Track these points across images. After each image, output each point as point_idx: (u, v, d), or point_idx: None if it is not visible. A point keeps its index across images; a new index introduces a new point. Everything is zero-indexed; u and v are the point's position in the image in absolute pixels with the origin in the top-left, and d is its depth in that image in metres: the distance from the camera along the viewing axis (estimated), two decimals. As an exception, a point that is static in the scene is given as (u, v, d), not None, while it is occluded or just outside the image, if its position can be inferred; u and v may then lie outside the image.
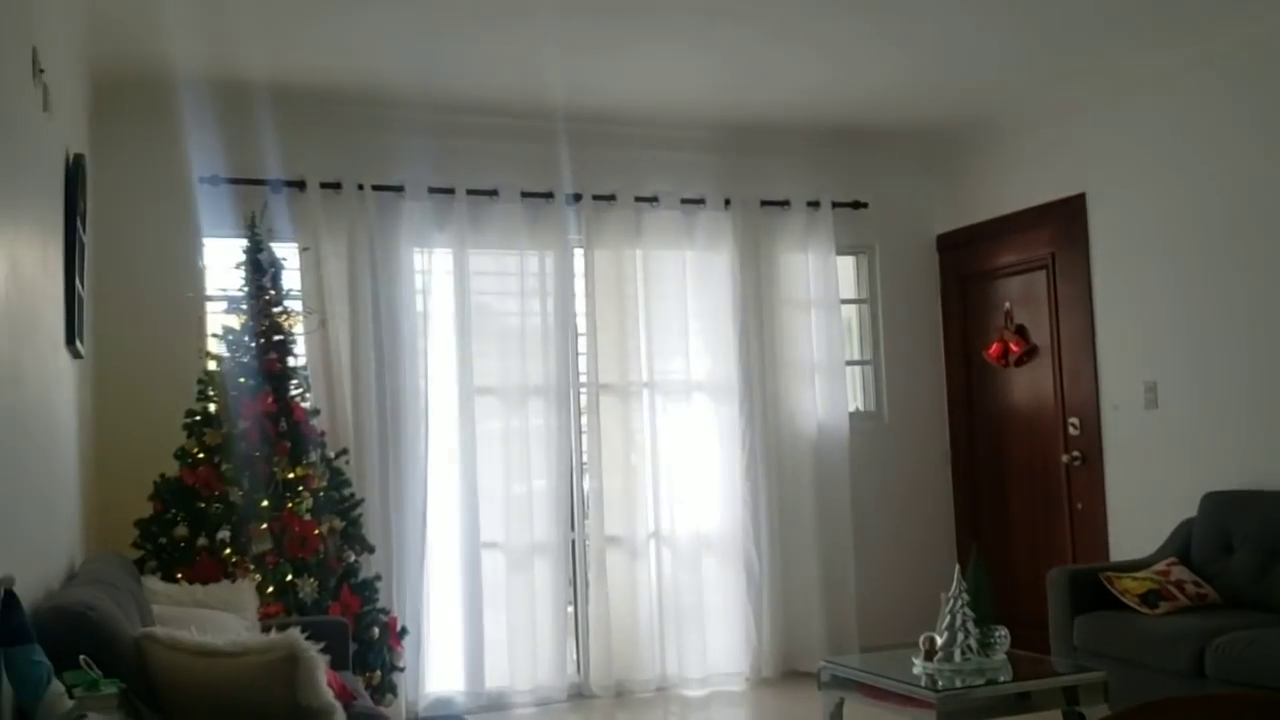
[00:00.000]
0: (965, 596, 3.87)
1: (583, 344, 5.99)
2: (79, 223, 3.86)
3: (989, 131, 6.34)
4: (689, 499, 6.02)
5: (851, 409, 6.52)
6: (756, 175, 6.33)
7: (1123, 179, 5.57)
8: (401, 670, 5.00)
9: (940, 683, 3.69)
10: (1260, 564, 4.57)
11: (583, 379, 5.97)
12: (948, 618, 3.87)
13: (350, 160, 5.59)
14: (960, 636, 3.83)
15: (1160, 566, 4.75)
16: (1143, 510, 5.42)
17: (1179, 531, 4.99)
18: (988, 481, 6.50)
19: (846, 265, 6.73)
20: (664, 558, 5.97)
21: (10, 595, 2.26)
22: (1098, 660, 4.32)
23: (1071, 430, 5.88)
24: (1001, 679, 3.78)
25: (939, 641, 3.85)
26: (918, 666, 3.83)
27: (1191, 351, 5.22)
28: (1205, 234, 5.14)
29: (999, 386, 6.42)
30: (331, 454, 4.99)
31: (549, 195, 5.87)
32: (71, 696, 2.23)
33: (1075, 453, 5.86)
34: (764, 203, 6.31)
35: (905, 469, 6.61)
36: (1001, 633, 3.91)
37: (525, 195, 5.82)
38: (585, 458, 5.95)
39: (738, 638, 6.03)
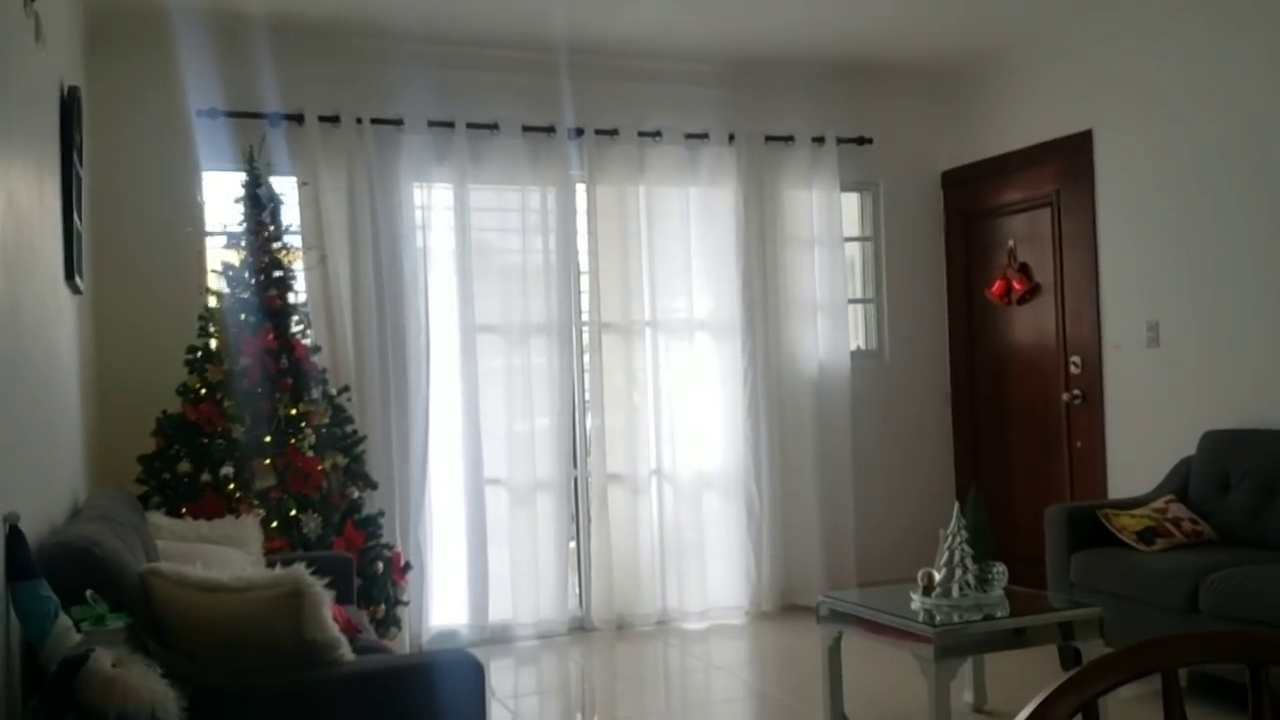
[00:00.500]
0: (964, 533, 3.90)
1: (585, 282, 5.97)
2: (75, 156, 3.83)
3: (996, 66, 6.25)
4: (691, 437, 6.05)
5: (853, 348, 6.51)
6: (761, 110, 6.26)
7: (1130, 115, 5.50)
8: (405, 604, 5.07)
9: (938, 618, 3.72)
10: (1256, 502, 4.60)
11: (585, 317, 5.96)
12: (946, 554, 3.90)
13: (349, 93, 5.52)
14: (958, 572, 3.86)
15: (1158, 504, 4.78)
16: (1142, 449, 5.44)
17: (1177, 470, 5.01)
18: (988, 420, 6.52)
19: (850, 202, 6.69)
20: (665, 494, 6.01)
21: (15, 531, 2.28)
22: (1094, 596, 4.36)
23: (1073, 369, 5.88)
24: (998, 614, 3.81)
25: (937, 577, 3.89)
26: (916, 602, 3.87)
27: (1194, 291, 5.20)
28: (1211, 171, 5.09)
29: (1001, 325, 6.41)
30: (333, 391, 5.00)
31: (550, 129, 5.81)
32: (79, 631, 2.26)
33: (1076, 391, 5.87)
34: (768, 138, 6.25)
35: (906, 407, 6.62)
36: (999, 569, 3.94)
37: (526, 129, 5.76)
38: (587, 395, 5.96)
39: (737, 573, 6.09)
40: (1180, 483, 4.94)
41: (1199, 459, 4.92)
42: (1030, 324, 6.19)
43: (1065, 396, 5.92)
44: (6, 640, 2.31)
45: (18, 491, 2.50)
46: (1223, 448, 4.84)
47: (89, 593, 2.39)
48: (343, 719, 2.59)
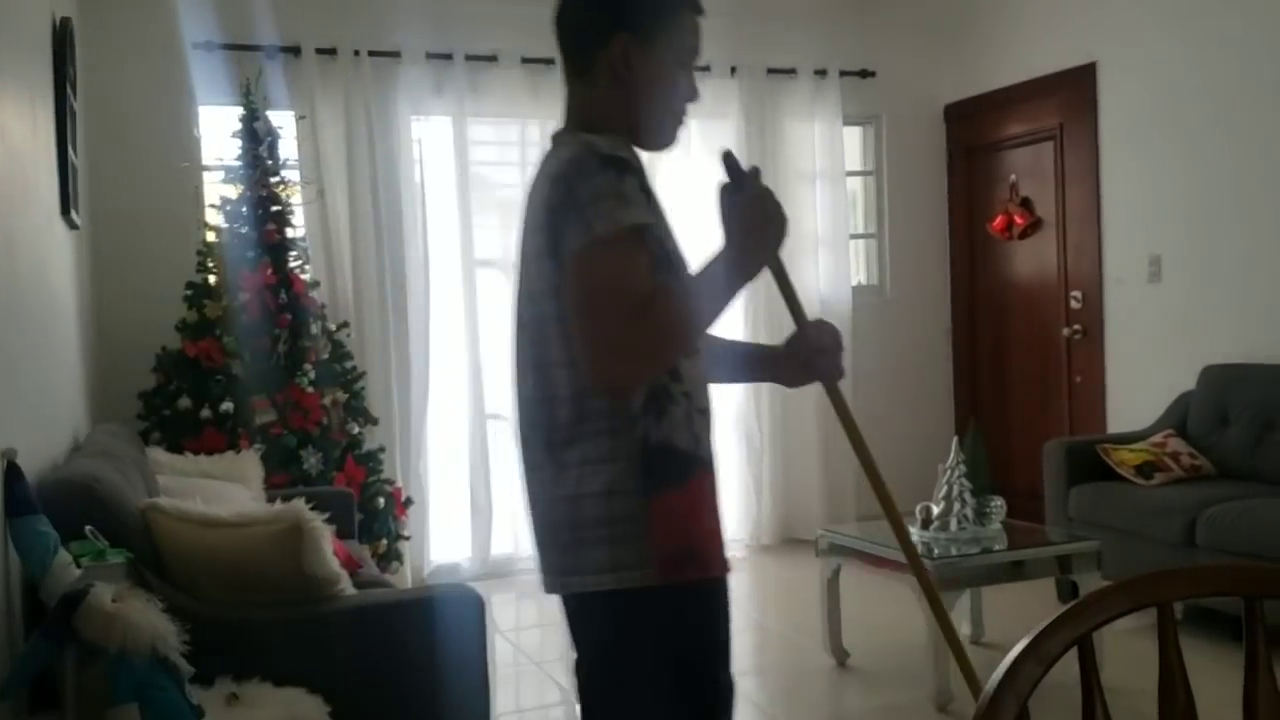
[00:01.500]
0: (962, 467, 3.91)
1: (584, 215, 5.92)
2: (69, 89, 3.78)
3: (1002, -4, 6.15)
4: (690, 371, 6.04)
5: (854, 283, 6.49)
6: (763, 42, 6.16)
7: (1134, 48, 5.42)
8: (407, 539, 5.11)
9: (936, 551, 3.75)
10: (1255, 436, 4.61)
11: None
12: (945, 488, 3.92)
13: (346, 25, 5.44)
14: (957, 506, 3.88)
15: (1157, 438, 4.79)
16: (1141, 383, 5.44)
17: (1177, 404, 5.01)
18: (988, 355, 6.51)
19: (853, 136, 6.61)
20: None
21: (13, 467, 2.28)
22: (1092, 530, 4.38)
23: (1073, 304, 5.86)
24: (996, 548, 3.84)
25: (935, 511, 3.91)
26: (914, 535, 3.89)
27: (1196, 225, 5.16)
28: (1215, 105, 5.02)
29: (1002, 260, 6.37)
30: (332, 326, 5.00)
31: (550, 61, 5.72)
32: (79, 566, 2.27)
33: (1076, 326, 5.85)
34: (770, 70, 6.16)
35: (907, 343, 6.61)
36: (997, 503, 3.96)
37: (526, 61, 5.68)
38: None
39: (738, 507, 6.12)
40: (1179, 417, 4.94)
41: (1198, 393, 4.92)
42: (1031, 259, 6.16)
43: (1066, 331, 5.90)
44: (6, 576, 2.33)
45: (15, 428, 2.50)
46: (1222, 382, 4.84)
47: (88, 528, 2.40)
48: (344, 652, 2.62)
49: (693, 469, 1.70)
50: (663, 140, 1.86)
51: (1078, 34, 5.72)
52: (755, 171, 1.77)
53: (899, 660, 4.11)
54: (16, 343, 2.68)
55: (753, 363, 2.10)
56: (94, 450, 3.12)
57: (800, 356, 1.93)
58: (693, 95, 1.85)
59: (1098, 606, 1.00)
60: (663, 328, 1.63)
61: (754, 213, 1.73)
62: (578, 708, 1.84)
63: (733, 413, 6.13)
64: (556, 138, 1.82)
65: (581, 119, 1.81)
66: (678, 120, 1.86)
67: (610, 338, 1.59)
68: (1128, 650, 3.21)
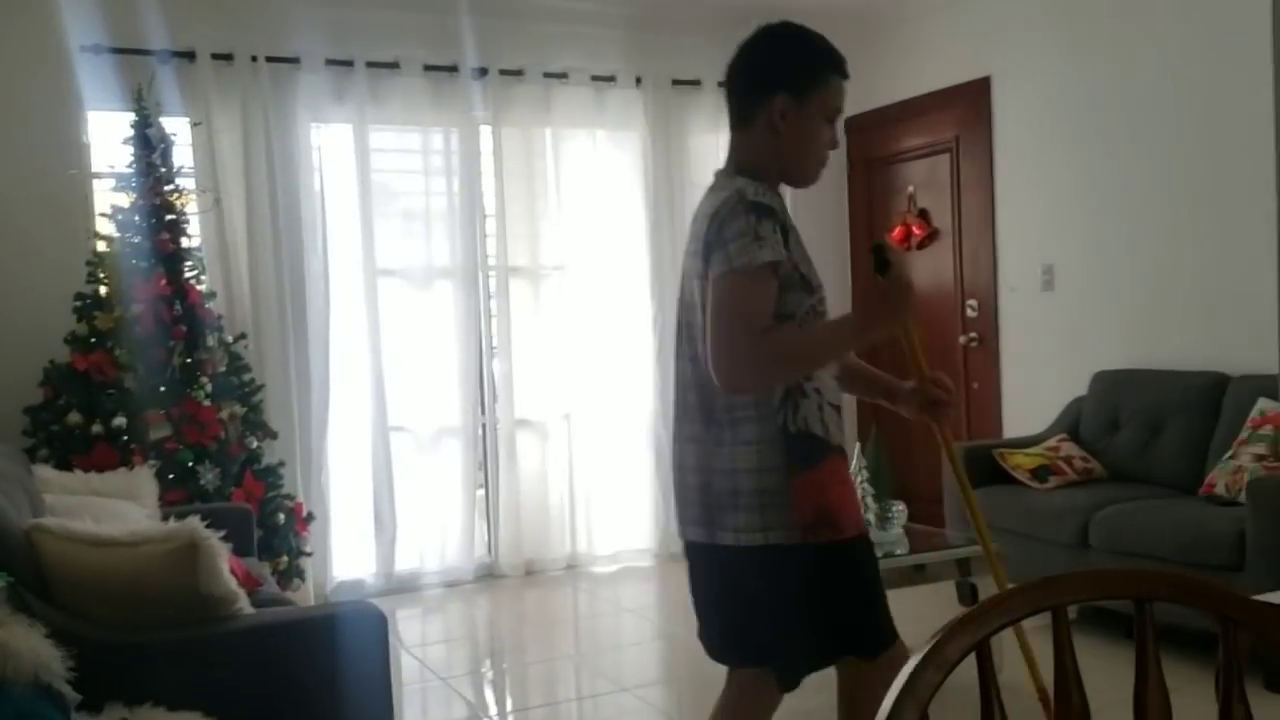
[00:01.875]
0: (864, 473, 3.97)
1: (491, 225, 5.89)
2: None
3: (900, 12, 6.28)
4: (599, 381, 6.04)
5: (759, 291, 6.54)
6: (668, 53, 6.20)
7: (1027, 62, 5.58)
8: (309, 555, 5.01)
9: (840, 557, 3.79)
10: (1143, 439, 4.77)
11: (491, 261, 5.89)
12: (848, 495, 3.97)
13: (242, 30, 5.32)
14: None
15: (1051, 443, 4.93)
16: (1036, 389, 5.59)
17: (1069, 409, 5.17)
18: (889, 362, 6.59)
19: (756, 146, 6.68)
20: (574, 439, 6.00)
21: (-113, 488, 2.17)
22: (991, 533, 4.47)
23: (970, 312, 6.01)
24: (898, 551, 3.91)
25: (839, 518, 3.95)
26: (819, 542, 3.93)
27: (1087, 235, 5.33)
28: (1106, 116, 5.20)
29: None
30: (230, 338, 4.88)
31: (453, 69, 5.68)
32: (-41, 590, 2.17)
33: (973, 334, 6.00)
34: (675, 82, 6.20)
35: (810, 350, 6.68)
36: (899, 507, 4.04)
37: (428, 68, 5.63)
38: (494, 341, 5.90)
39: (647, 515, 6.14)
40: (1072, 422, 5.09)
41: (1090, 399, 5.08)
42: (929, 268, 6.30)
43: (963, 339, 6.04)
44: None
45: (-110, 446, 2.39)
46: (1112, 387, 5.00)
47: (-30, 551, 2.29)
48: (243, 674, 2.55)
49: (825, 453, 2.13)
50: (807, 180, 2.32)
51: (973, 49, 5.88)
52: (900, 260, 2.19)
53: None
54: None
55: (881, 388, 2.57)
56: (-25, 469, 2.99)
57: (920, 400, 2.40)
58: (834, 144, 2.30)
59: (995, 612, 1.01)
60: (775, 354, 2.06)
61: (891, 294, 2.14)
62: (713, 642, 2.34)
63: (642, 424, 6.14)
64: (718, 176, 2.25)
65: (740, 160, 2.24)
66: (820, 163, 2.30)
67: (732, 348, 2.02)
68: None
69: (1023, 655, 2.32)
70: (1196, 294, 4.84)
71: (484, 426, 5.91)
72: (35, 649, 2.02)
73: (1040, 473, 4.73)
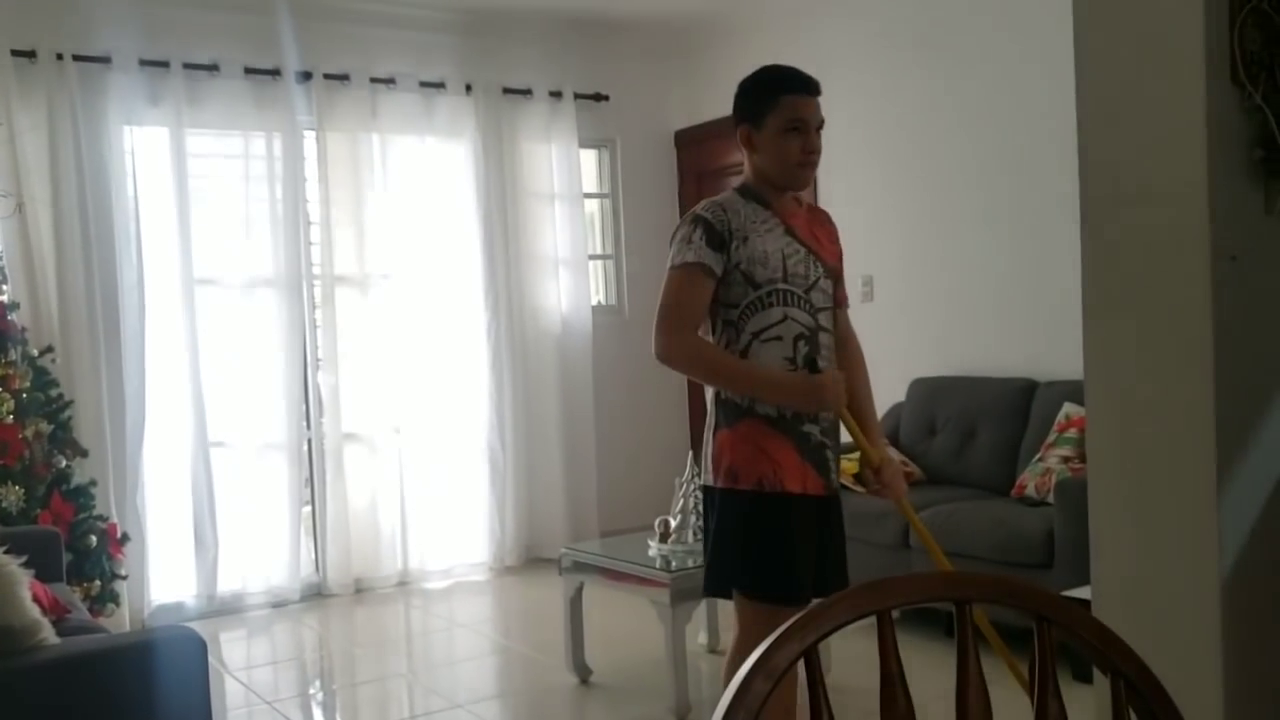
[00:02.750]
0: (697, 480, 4.03)
1: (316, 233, 5.73)
2: None
3: (725, 27, 6.42)
4: (431, 393, 5.95)
5: (594, 303, 6.58)
6: (499, 61, 6.17)
7: (851, 79, 5.76)
8: (124, 579, 4.76)
9: (673, 563, 3.84)
10: (959, 443, 4.99)
11: (316, 270, 5.73)
12: (681, 501, 4.02)
13: (47, 26, 5.04)
14: (693, 519, 3.99)
15: (874, 448, 5.09)
16: (860, 396, 5.77)
17: (889, 415, 5.36)
18: (721, 371, 6.74)
19: (589, 158, 6.72)
20: (405, 453, 5.89)
21: None
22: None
23: (799, 321, 6.16)
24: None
25: (673, 524, 4.00)
26: (653, 549, 3.97)
27: (905, 247, 5.56)
28: (925, 132, 5.43)
29: (733, 279, 6.62)
30: (35, 352, 4.61)
31: (275, 72, 5.51)
32: None
33: (802, 343, 6.15)
34: (506, 90, 6.17)
35: (645, 361, 6.59)
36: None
37: (249, 71, 5.44)
38: (320, 352, 5.74)
39: (481, 529, 6.08)
40: (892, 427, 5.29)
41: (908, 405, 5.29)
42: (760, 279, 6.43)
43: (792, 348, 6.20)
44: None
45: None
46: (929, 394, 5.22)
47: None
48: (51, 707, 2.39)
49: (742, 417, 2.61)
50: (795, 184, 2.74)
51: (799, 65, 6.02)
52: (828, 365, 2.68)
53: (640, 674, 4.18)
54: None
55: (858, 443, 2.84)
56: None
57: (874, 473, 2.80)
58: (809, 148, 2.68)
59: (822, 618, 1.04)
60: (691, 355, 2.67)
61: (818, 387, 2.57)
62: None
63: (476, 436, 6.07)
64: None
65: (743, 178, 2.78)
66: (799, 166, 2.68)
67: (659, 332, 2.64)
68: (852, 648, 3.39)
69: (998, 653, 2.60)
70: (1006, 303, 5.11)
71: (310, 441, 5.74)
72: None
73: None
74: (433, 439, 5.96)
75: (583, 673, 4.16)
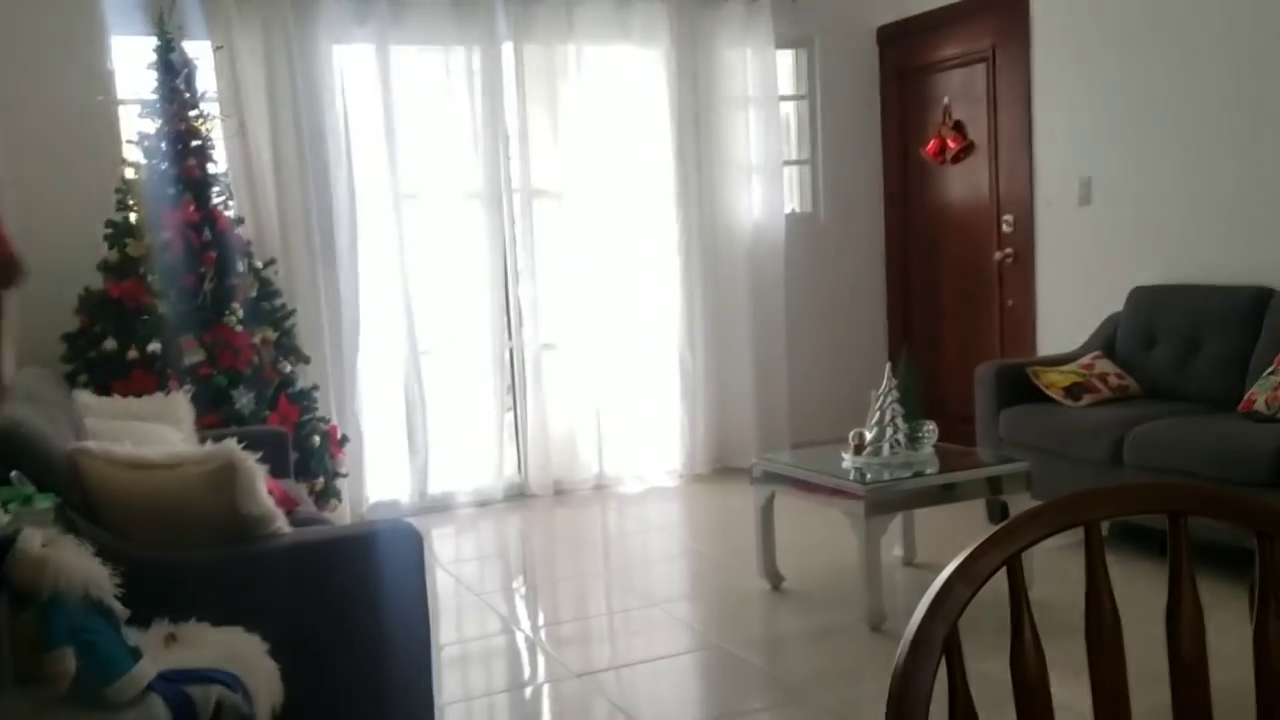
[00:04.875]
0: (895, 393, 3.96)
1: (514, 147, 5.84)
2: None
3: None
4: (624, 303, 6.02)
5: (788, 210, 6.49)
6: (692, -35, 6.07)
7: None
8: (344, 477, 5.07)
9: (868, 475, 3.80)
10: (1180, 356, 4.72)
11: (515, 184, 5.85)
12: (877, 414, 3.96)
13: (262, -50, 5.25)
14: (889, 431, 3.93)
15: (1085, 360, 4.89)
16: (1071, 306, 5.53)
17: (1105, 326, 5.11)
18: (921, 280, 6.58)
19: (785, 60, 6.57)
20: (599, 362, 6.01)
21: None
22: (1022, 452, 4.48)
23: (1005, 228, 5.93)
24: (928, 471, 3.90)
25: (868, 436, 3.96)
26: (847, 461, 3.94)
27: (1126, 148, 5.22)
28: (1147, 28, 5.06)
29: (935, 184, 6.41)
30: (259, 264, 4.90)
31: (474, -13, 5.59)
32: (5, 511, 2.22)
33: (1008, 250, 5.92)
34: (700, -5, 6.08)
35: (840, 269, 6.65)
36: (929, 427, 4.02)
37: (451, -14, 5.54)
38: (520, 264, 5.89)
39: (673, 437, 6.17)
40: (1108, 339, 5.05)
41: (1126, 315, 5.02)
42: (964, 183, 6.21)
43: (997, 255, 5.97)
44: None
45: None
46: (1149, 304, 4.93)
47: (14, 473, 2.34)
48: (282, 591, 2.60)
49: None
50: None
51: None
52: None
53: (832, 583, 4.19)
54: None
55: None
56: (18, 395, 3.03)
57: None
58: None
59: (1026, 527, 1.01)
60: None
61: None
62: None
63: (667, 345, 6.14)
64: None
65: None
66: None
67: None
68: (1056, 567, 3.30)
69: None
70: (1238, 206, 4.75)
71: (511, 350, 5.93)
72: (85, 566, 2.06)
73: (1074, 390, 4.70)
74: (625, 349, 6.06)
75: (774, 579, 4.20)
